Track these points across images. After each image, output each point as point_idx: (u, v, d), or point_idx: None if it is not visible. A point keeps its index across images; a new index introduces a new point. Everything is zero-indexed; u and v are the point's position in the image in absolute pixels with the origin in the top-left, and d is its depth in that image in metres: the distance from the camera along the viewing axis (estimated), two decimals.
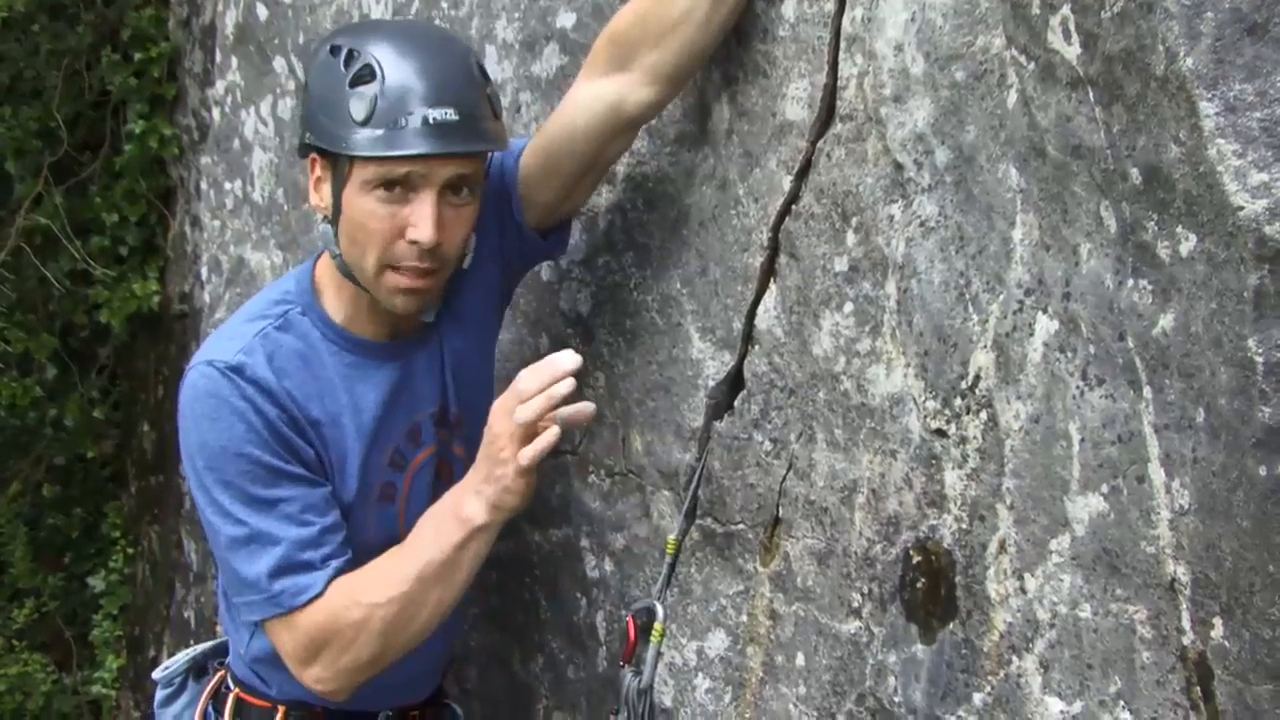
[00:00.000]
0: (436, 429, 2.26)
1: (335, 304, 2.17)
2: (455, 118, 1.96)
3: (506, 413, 1.97)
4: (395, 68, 1.97)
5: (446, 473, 2.28)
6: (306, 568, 2.06)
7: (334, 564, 2.08)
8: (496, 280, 2.32)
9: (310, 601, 2.05)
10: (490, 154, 2.16)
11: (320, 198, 2.09)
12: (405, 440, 2.23)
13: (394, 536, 2.19)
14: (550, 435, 1.94)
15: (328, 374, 2.14)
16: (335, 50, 2.02)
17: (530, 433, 1.95)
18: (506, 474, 1.98)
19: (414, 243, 2.00)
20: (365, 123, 1.95)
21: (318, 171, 2.08)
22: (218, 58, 4.09)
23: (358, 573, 2.10)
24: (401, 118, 1.94)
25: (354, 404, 2.16)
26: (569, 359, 1.96)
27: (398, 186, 1.98)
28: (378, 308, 2.13)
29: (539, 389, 1.94)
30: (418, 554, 2.07)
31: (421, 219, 1.99)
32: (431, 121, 1.95)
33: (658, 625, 2.24)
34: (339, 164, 2.02)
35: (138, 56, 4.41)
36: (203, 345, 2.19)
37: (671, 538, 2.23)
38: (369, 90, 1.95)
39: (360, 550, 2.17)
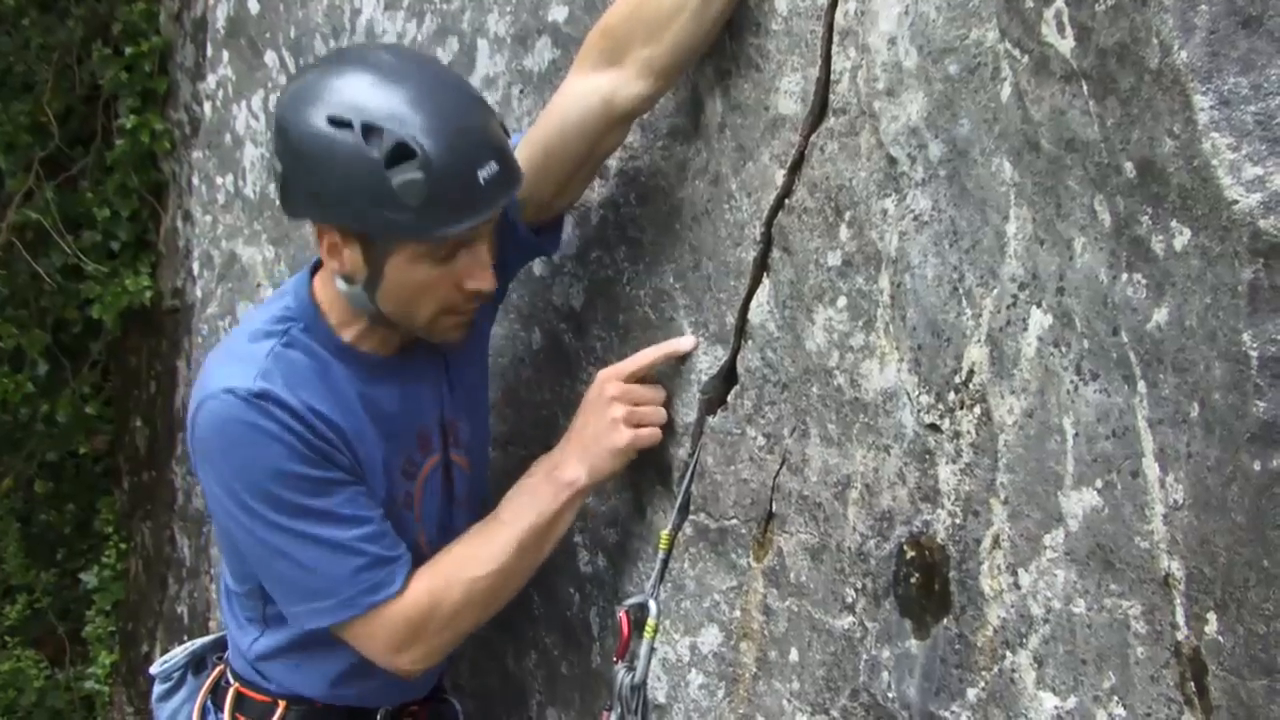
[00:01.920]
0: (442, 435, 2.27)
1: (341, 324, 2.12)
2: (498, 168, 1.92)
3: (616, 378, 2.09)
4: (431, 138, 1.86)
5: (448, 478, 2.30)
6: (380, 563, 2.06)
7: (405, 555, 2.09)
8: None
9: (395, 596, 2.06)
10: None
11: (346, 264, 2.00)
12: (416, 448, 2.24)
13: (413, 543, 2.20)
14: (659, 417, 2.14)
15: (342, 387, 2.11)
16: (339, 124, 1.87)
17: (635, 401, 2.11)
18: (619, 440, 2.09)
19: (475, 292, 2.01)
20: (421, 206, 1.87)
21: (333, 239, 1.99)
22: (209, 52, 4.08)
23: (443, 555, 2.13)
24: (456, 190, 1.88)
25: (372, 413, 2.14)
26: (688, 342, 2.11)
27: (447, 247, 1.96)
28: (389, 330, 2.12)
29: (657, 361, 2.10)
30: (515, 522, 2.11)
31: (482, 272, 2.00)
32: (483, 181, 1.90)
33: (651, 621, 2.24)
34: (378, 239, 1.95)
35: (129, 51, 4.41)
36: (207, 371, 2.10)
37: (664, 533, 2.23)
38: (414, 173, 1.85)
39: None
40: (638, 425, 2.12)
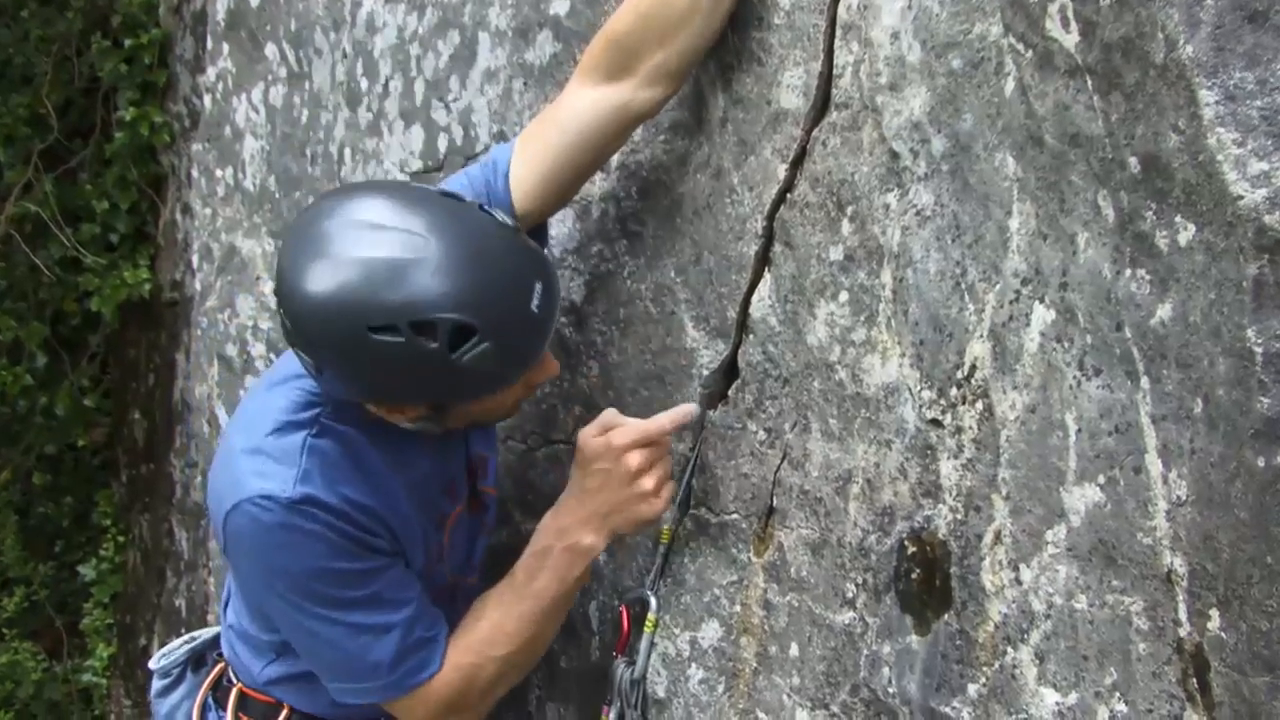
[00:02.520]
0: (465, 474, 2.29)
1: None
2: (542, 287, 1.88)
3: (636, 446, 2.04)
4: (482, 307, 1.80)
5: (479, 510, 2.33)
6: (422, 645, 2.08)
7: (443, 632, 2.12)
8: None
9: (433, 675, 2.09)
10: (472, 167, 2.17)
11: (405, 415, 1.99)
12: (445, 499, 2.24)
13: (442, 586, 2.24)
14: (670, 498, 2.11)
15: (375, 466, 2.07)
16: (384, 329, 1.78)
17: (657, 468, 2.08)
18: (649, 512, 2.07)
19: (546, 380, 2.09)
20: (497, 368, 1.87)
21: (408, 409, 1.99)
22: (209, 44, 4.07)
23: (471, 629, 2.14)
24: (526, 347, 1.90)
25: (406, 483, 2.12)
26: (693, 409, 2.09)
27: None
28: None
29: (670, 430, 2.07)
30: (537, 594, 2.12)
31: (548, 367, 2.05)
32: (537, 309, 1.86)
33: (651, 615, 2.23)
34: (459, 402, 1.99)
35: (128, 43, 4.39)
36: (234, 465, 2.02)
37: (665, 527, 2.23)
38: (483, 347, 1.81)
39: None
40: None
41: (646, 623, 2.23)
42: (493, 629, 2.13)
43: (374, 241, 1.79)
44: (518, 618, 2.12)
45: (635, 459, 2.04)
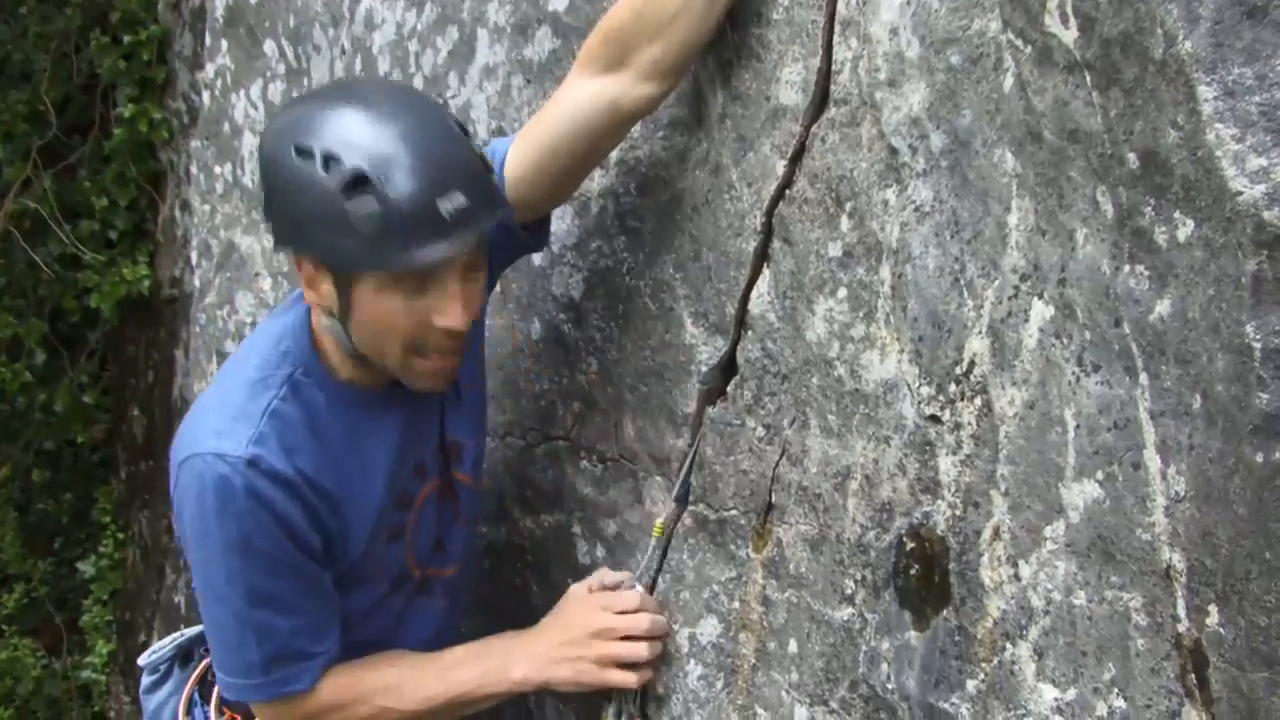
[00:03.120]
0: (439, 459, 2.26)
1: (336, 361, 2.08)
2: (465, 201, 1.83)
3: (604, 610, 2.10)
4: (387, 166, 1.80)
5: (450, 496, 2.30)
6: (299, 657, 2.07)
7: (327, 654, 2.10)
8: (486, 289, 2.30)
9: (303, 692, 2.08)
10: None
11: (321, 296, 1.96)
12: (411, 478, 2.22)
13: (403, 570, 2.23)
14: (635, 680, 2.14)
15: (335, 440, 2.07)
16: (304, 153, 1.84)
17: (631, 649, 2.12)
18: (594, 679, 2.10)
19: (445, 331, 1.93)
20: (377, 236, 1.81)
21: (310, 270, 1.95)
22: (207, 41, 4.07)
23: (373, 670, 2.14)
24: (413, 222, 1.80)
25: (363, 467, 2.11)
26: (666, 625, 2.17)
27: (414, 279, 1.89)
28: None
29: (648, 625, 2.13)
30: (449, 684, 2.13)
31: (451, 308, 1.91)
32: (445, 214, 1.81)
33: None
34: (341, 270, 1.91)
35: (127, 39, 4.39)
36: (200, 416, 2.06)
37: (659, 522, 2.22)
38: (368, 203, 1.79)
39: (374, 584, 2.20)
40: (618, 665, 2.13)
41: None
42: (391, 686, 2.13)
43: (348, 93, 1.95)
44: (416, 691, 2.13)
45: (600, 622, 2.11)
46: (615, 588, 2.20)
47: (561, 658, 2.11)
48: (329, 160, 1.81)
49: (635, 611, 2.13)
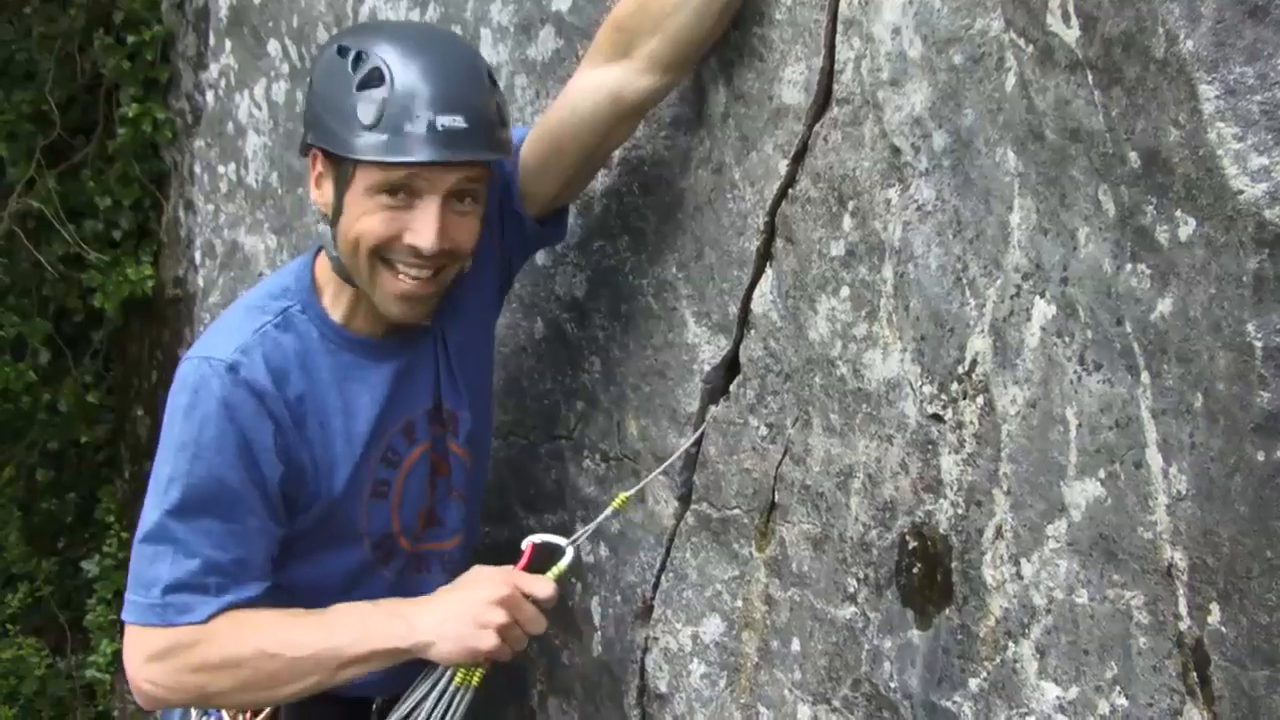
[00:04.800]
0: (430, 425, 2.25)
1: (334, 302, 2.14)
2: (464, 125, 1.93)
3: (509, 585, 1.98)
4: (404, 71, 1.93)
5: (444, 469, 2.29)
6: (201, 590, 2.01)
7: (228, 597, 2.02)
8: (496, 272, 2.32)
9: (195, 623, 2.00)
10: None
11: (322, 196, 2.05)
12: (398, 437, 2.22)
13: (388, 532, 2.22)
14: (523, 643, 2.01)
15: (322, 375, 2.11)
16: (343, 51, 1.98)
17: (520, 619, 1.99)
18: (482, 643, 1.96)
19: (413, 248, 1.97)
20: (372, 127, 1.91)
21: (319, 169, 2.05)
22: (211, 41, 4.07)
23: (263, 613, 2.04)
24: (409, 123, 1.90)
25: (345, 406, 2.13)
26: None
27: (401, 192, 1.95)
28: (371, 305, 2.11)
29: (552, 600, 2.00)
30: (336, 632, 2.01)
31: (424, 226, 1.96)
32: (440, 128, 1.91)
33: (560, 566, 2.07)
34: (343, 166, 1.98)
35: (131, 40, 4.40)
36: (204, 333, 2.18)
37: (624, 495, 2.15)
38: (377, 94, 1.91)
39: (355, 543, 2.19)
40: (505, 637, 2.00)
41: (554, 570, 2.06)
42: (273, 625, 2.02)
43: (403, 23, 2.28)
44: (300, 639, 2.01)
45: (504, 590, 1.98)
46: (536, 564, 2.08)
47: (450, 619, 1.99)
48: (359, 57, 1.96)
49: (541, 602, 2.01)
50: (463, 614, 1.98)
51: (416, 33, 2.08)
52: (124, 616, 2.07)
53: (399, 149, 1.91)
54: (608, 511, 2.15)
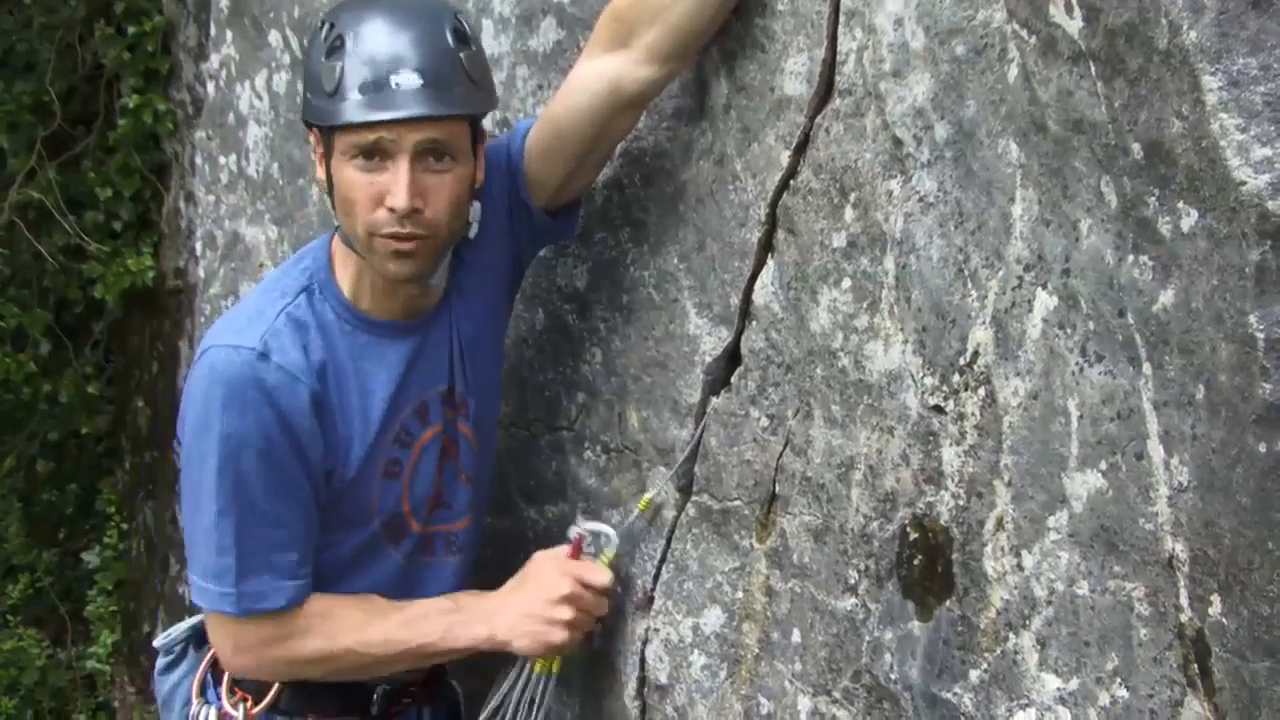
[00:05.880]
0: (443, 407, 2.27)
1: (347, 281, 2.17)
2: (418, 82, 1.97)
3: (574, 578, 2.17)
4: (360, 36, 1.98)
5: (453, 451, 2.30)
6: (271, 572, 2.09)
7: (298, 581, 2.13)
8: (507, 261, 2.34)
9: (274, 611, 2.10)
10: (487, 133, 2.17)
11: (320, 170, 2.11)
12: (412, 418, 2.24)
13: (398, 511, 2.24)
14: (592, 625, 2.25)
15: (339, 354, 2.14)
16: (322, 24, 2.05)
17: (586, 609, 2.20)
18: (555, 638, 2.17)
19: (390, 210, 2.00)
20: (334, 93, 1.97)
21: (314, 144, 2.10)
22: (212, 31, 4.07)
23: (345, 604, 2.17)
24: (363, 85, 1.96)
25: (361, 385, 2.16)
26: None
27: (375, 155, 1.99)
28: (387, 284, 2.13)
29: (610, 587, 2.21)
30: (416, 632, 2.18)
31: (396, 185, 2.00)
32: (394, 86, 1.96)
33: (607, 553, 2.26)
34: (326, 137, 2.04)
35: (131, 30, 4.39)
36: (223, 321, 2.20)
37: (646, 496, 2.27)
38: (337, 61, 1.98)
39: (365, 523, 2.22)
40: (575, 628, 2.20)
41: (603, 556, 2.26)
42: (357, 625, 2.16)
43: None
44: (381, 634, 2.16)
45: (565, 586, 2.17)
46: (584, 549, 2.25)
47: (522, 619, 2.17)
48: (329, 28, 2.03)
49: (586, 585, 2.19)
50: (535, 613, 2.17)
51: (394, 6, 2.08)
52: (198, 602, 2.16)
53: (354, 111, 1.97)
54: (636, 513, 2.28)
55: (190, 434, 2.09)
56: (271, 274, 2.28)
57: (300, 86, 2.11)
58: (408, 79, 1.96)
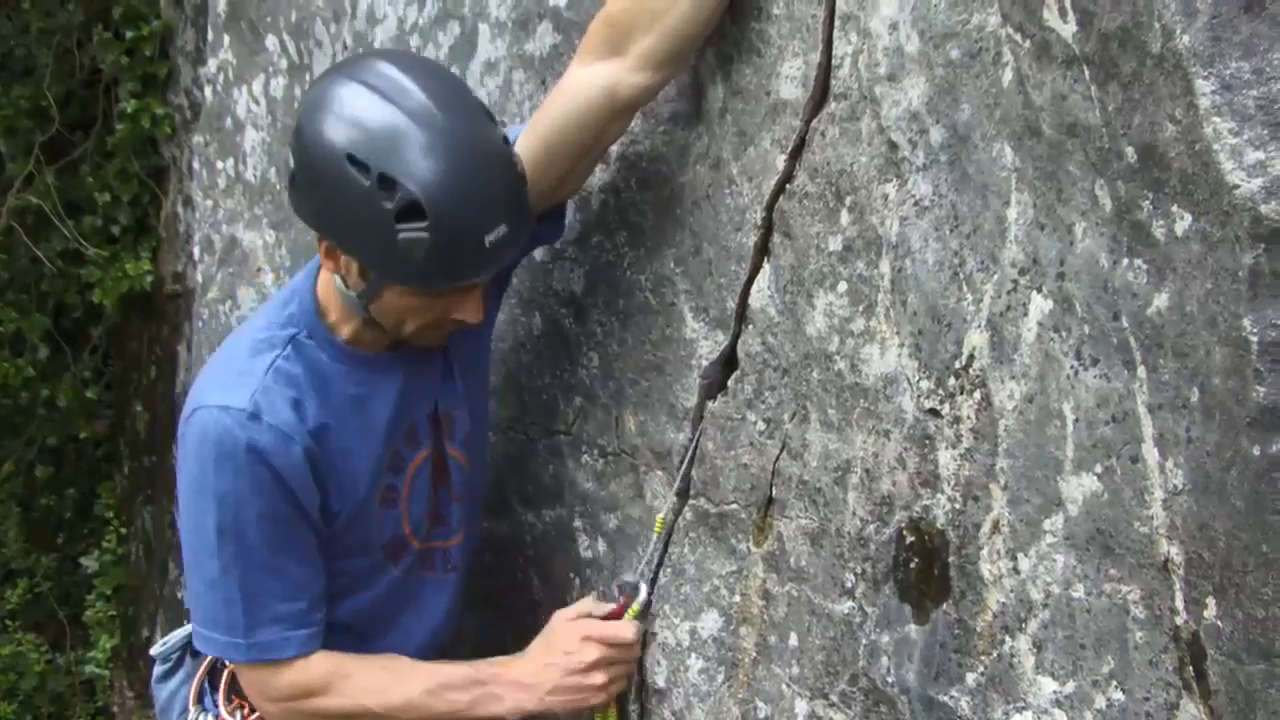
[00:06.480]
0: (430, 428, 2.28)
1: (339, 322, 2.14)
2: (506, 231, 1.93)
3: (598, 641, 2.16)
4: (443, 200, 1.86)
5: (442, 471, 2.31)
6: (285, 623, 2.10)
7: (313, 630, 2.13)
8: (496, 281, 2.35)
9: (286, 660, 2.11)
10: None
11: (344, 271, 2.03)
12: (404, 442, 2.25)
13: (399, 536, 2.25)
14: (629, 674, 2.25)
15: (336, 400, 2.13)
16: (359, 165, 1.87)
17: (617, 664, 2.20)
18: (594, 700, 2.18)
19: (459, 322, 2.06)
20: (423, 260, 1.89)
21: (336, 249, 2.01)
22: (210, 36, 4.07)
23: (364, 661, 2.17)
24: (460, 250, 1.91)
25: (364, 426, 2.16)
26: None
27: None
28: (380, 330, 2.14)
29: (635, 640, 2.20)
30: (439, 702, 2.15)
31: (472, 309, 2.05)
32: (489, 245, 1.92)
33: (635, 604, 2.24)
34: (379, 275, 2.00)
35: (129, 35, 4.39)
36: (211, 372, 2.15)
37: (659, 516, 2.24)
38: (422, 234, 1.86)
39: (366, 549, 2.22)
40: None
41: (629, 612, 2.24)
42: (377, 688, 2.15)
43: (401, 94, 1.90)
44: (402, 699, 2.14)
45: (593, 653, 2.15)
46: (606, 615, 2.24)
47: (555, 691, 2.16)
48: (385, 182, 1.86)
49: (610, 644, 2.18)
50: (568, 685, 2.16)
51: (429, 123, 1.88)
52: (209, 651, 2.18)
53: (455, 275, 1.94)
54: (655, 538, 2.26)
55: (186, 491, 2.09)
56: (255, 320, 2.23)
57: (313, 202, 1.97)
58: (499, 233, 1.92)
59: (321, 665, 2.13)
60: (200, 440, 2.03)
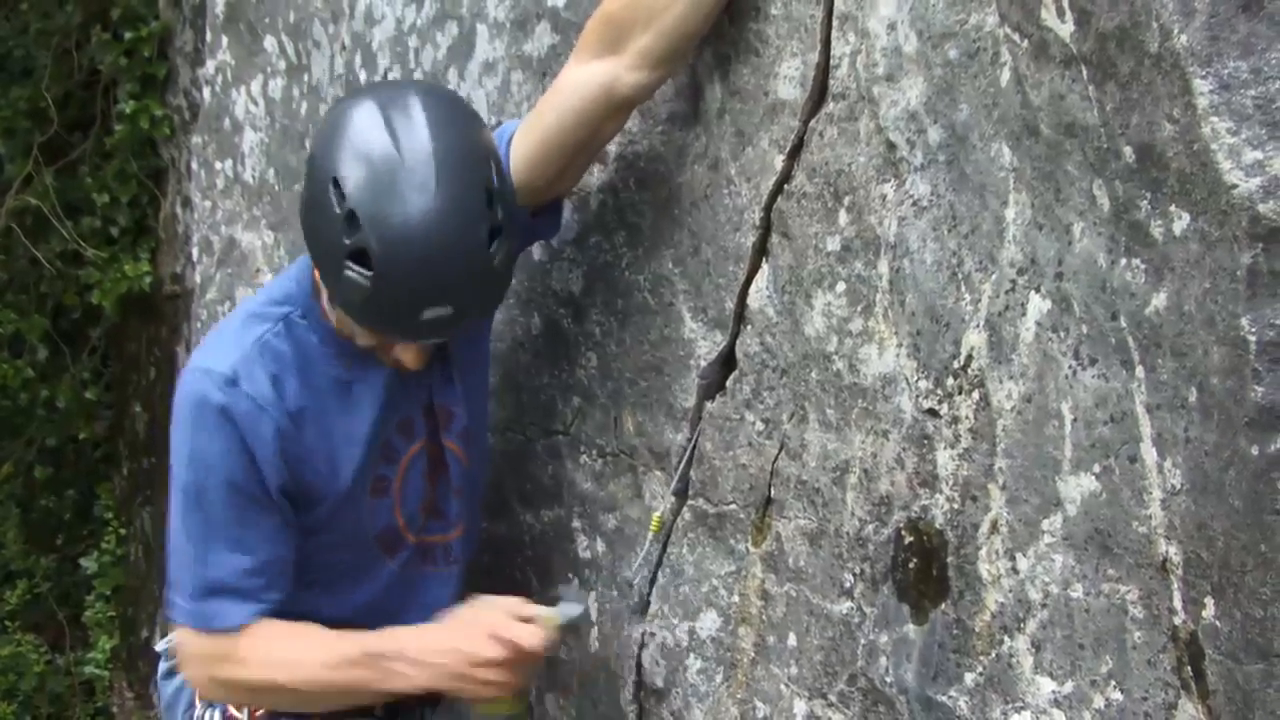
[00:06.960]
0: (425, 420, 2.27)
1: (332, 311, 2.14)
2: (450, 313, 1.92)
3: (500, 640, 2.05)
4: (392, 262, 1.86)
5: (440, 465, 2.31)
6: (232, 594, 2.08)
7: (265, 601, 2.10)
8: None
9: (231, 629, 2.09)
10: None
11: (331, 301, 2.08)
12: (396, 434, 2.24)
13: (392, 526, 2.25)
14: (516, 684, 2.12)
15: (322, 381, 2.14)
16: (338, 191, 1.88)
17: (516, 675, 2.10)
18: (485, 693, 2.09)
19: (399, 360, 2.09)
20: (360, 303, 1.92)
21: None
22: (208, 37, 4.07)
23: (293, 633, 2.12)
24: (394, 310, 1.92)
25: (347, 411, 2.16)
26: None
27: None
28: None
29: (541, 653, 2.08)
30: (339, 679, 2.10)
31: (410, 359, 2.09)
32: (425, 318, 1.91)
33: (554, 617, 2.14)
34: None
35: (128, 35, 4.39)
36: (203, 343, 2.20)
37: (656, 515, 2.23)
38: (363, 281, 1.87)
39: (359, 539, 2.22)
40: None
41: (546, 619, 2.13)
42: (289, 662, 2.11)
43: (405, 127, 1.90)
44: (309, 677, 2.11)
45: (493, 651, 2.05)
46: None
47: (448, 678, 2.09)
48: (351, 217, 1.87)
49: (513, 646, 2.06)
50: (460, 674, 2.07)
51: (416, 169, 1.86)
52: (169, 616, 2.17)
53: (386, 329, 2.00)
54: (651, 537, 2.24)
55: (175, 460, 2.11)
56: (256, 295, 2.27)
57: (303, 207, 2.00)
58: (439, 312, 1.91)
59: (253, 637, 2.10)
60: (180, 400, 2.08)
